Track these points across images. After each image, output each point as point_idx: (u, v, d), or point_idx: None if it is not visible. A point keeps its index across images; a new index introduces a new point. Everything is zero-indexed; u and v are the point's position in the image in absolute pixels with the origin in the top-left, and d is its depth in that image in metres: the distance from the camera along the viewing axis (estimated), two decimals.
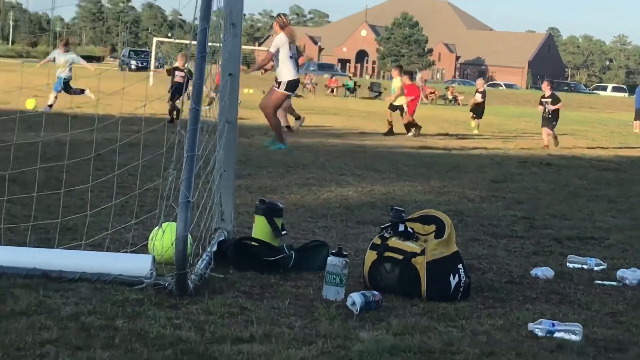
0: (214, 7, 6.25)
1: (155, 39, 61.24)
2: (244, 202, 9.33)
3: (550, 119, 22.62)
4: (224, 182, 7.26)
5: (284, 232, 7.10)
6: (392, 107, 25.04)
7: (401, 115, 24.82)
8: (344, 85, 66.34)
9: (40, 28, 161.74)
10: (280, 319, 5.32)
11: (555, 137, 22.54)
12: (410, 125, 24.69)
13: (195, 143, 5.75)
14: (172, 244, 5.77)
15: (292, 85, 15.03)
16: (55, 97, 22.92)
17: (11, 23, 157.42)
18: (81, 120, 18.23)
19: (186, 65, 22.66)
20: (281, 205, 7.35)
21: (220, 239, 6.92)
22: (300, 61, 16.32)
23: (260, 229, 7.01)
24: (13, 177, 8.95)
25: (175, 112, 21.56)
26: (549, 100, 22.78)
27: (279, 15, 15.38)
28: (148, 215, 7.18)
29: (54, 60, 23.76)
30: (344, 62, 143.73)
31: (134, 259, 6.01)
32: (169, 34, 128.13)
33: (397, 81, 25.85)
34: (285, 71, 14.79)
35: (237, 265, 6.43)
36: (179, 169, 5.95)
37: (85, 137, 13.42)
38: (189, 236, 5.67)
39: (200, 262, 6.16)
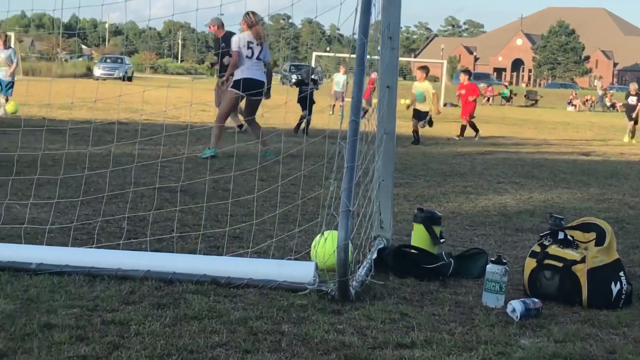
0: (372, 21, 6.26)
1: (314, 54, 61.66)
2: (402, 210, 9.30)
3: None
4: (382, 191, 7.25)
5: (442, 240, 7.03)
6: (417, 116, 20.98)
7: (426, 123, 21.04)
8: (500, 93, 65.46)
9: (206, 46, 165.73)
10: (441, 325, 5.27)
11: None
12: (474, 127, 23.45)
13: (355, 154, 5.76)
14: (333, 252, 5.78)
15: (243, 85, 13.44)
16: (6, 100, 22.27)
17: (180, 42, 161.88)
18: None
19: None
20: (439, 214, 7.29)
21: (380, 246, 6.92)
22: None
23: (419, 236, 6.96)
24: (184, 187, 9.23)
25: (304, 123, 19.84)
26: None
27: (247, 13, 13.95)
28: (310, 223, 7.24)
29: None
30: (499, 70, 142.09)
31: (298, 266, 6.07)
32: (327, 48, 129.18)
33: (424, 85, 21.38)
34: (239, 70, 13.89)
35: (397, 272, 6.41)
36: (339, 179, 5.98)
37: (250, 149, 13.70)
38: (350, 244, 5.69)
39: (361, 269, 6.17)
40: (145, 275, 5.81)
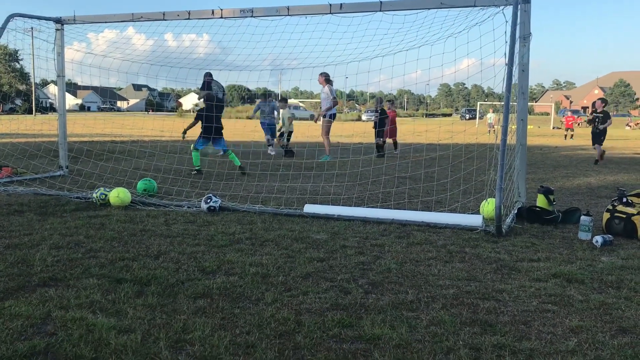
0: (513, 82, 5.89)
1: (479, 103, 56.66)
2: (531, 187, 8.72)
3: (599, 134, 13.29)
4: (519, 176, 6.85)
5: (554, 202, 6.56)
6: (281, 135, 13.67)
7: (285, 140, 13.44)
8: (585, 120, 58.84)
9: None
10: (555, 249, 4.95)
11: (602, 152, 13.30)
12: (395, 144, 15.02)
13: (504, 156, 5.49)
14: (493, 209, 5.58)
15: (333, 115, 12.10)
16: None
17: None
18: None
19: None
20: (552, 188, 6.79)
21: (518, 206, 6.56)
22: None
23: (541, 201, 6.52)
24: None
25: None
26: (600, 116, 13.21)
27: (323, 73, 11.76)
28: (479, 194, 7.02)
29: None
30: (585, 108, 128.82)
31: (474, 217, 5.87)
32: (486, 99, 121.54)
33: (283, 112, 13.73)
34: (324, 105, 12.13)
35: (529, 220, 6.06)
36: (495, 170, 5.75)
37: None
38: (502, 205, 5.46)
39: (508, 219, 5.90)
40: None
